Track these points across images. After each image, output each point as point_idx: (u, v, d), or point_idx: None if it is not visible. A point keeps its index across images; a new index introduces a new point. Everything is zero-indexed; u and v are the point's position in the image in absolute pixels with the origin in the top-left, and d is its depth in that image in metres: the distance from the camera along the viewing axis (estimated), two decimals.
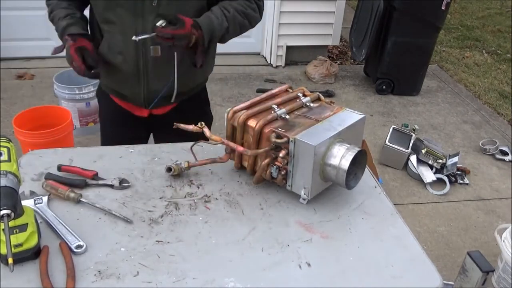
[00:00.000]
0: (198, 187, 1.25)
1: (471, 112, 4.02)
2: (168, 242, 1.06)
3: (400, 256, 1.06)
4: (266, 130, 1.16)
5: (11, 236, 0.91)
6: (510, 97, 4.28)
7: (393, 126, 3.25)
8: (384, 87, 4.12)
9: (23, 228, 0.96)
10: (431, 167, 3.06)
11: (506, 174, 3.20)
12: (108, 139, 1.75)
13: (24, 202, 1.13)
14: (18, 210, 0.91)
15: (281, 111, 1.21)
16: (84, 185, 1.21)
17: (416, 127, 3.59)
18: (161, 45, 1.44)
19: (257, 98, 1.29)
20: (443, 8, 3.72)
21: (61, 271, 0.96)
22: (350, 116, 1.25)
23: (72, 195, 1.16)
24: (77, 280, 0.94)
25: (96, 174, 1.25)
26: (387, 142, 3.12)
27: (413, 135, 3.18)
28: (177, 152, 1.39)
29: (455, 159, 3.08)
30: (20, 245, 0.95)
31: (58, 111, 2.91)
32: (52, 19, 1.51)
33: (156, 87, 1.53)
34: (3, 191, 0.88)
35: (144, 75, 1.51)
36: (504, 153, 3.36)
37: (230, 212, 1.17)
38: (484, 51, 5.35)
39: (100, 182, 1.23)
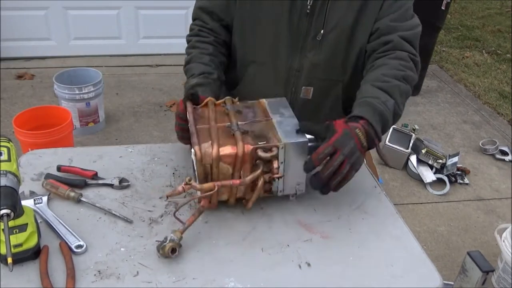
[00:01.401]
0: None
1: (471, 112, 4.02)
2: None
3: (400, 256, 1.06)
4: (248, 150, 1.06)
5: (11, 236, 0.91)
6: (510, 97, 4.28)
7: (393, 126, 3.25)
8: None
9: (22, 228, 0.96)
10: (431, 167, 3.06)
11: (506, 174, 3.20)
12: None
13: (24, 202, 1.13)
14: (18, 210, 0.91)
15: (238, 126, 1.11)
16: (84, 185, 1.21)
17: (416, 127, 3.59)
18: (314, 86, 1.33)
19: (194, 126, 1.11)
20: (443, 8, 3.72)
21: (61, 271, 0.96)
22: (280, 104, 1.23)
23: (72, 194, 1.16)
24: (77, 280, 0.94)
25: (96, 174, 1.25)
26: (387, 142, 3.12)
27: (413, 135, 3.18)
28: (177, 152, 1.39)
29: (455, 159, 3.08)
30: (20, 245, 0.95)
31: (58, 111, 2.91)
32: (186, 71, 1.38)
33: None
34: (3, 190, 0.88)
35: None
36: (504, 153, 3.36)
37: (230, 212, 1.17)
38: (484, 51, 5.35)
39: (100, 182, 1.23)
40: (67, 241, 1.03)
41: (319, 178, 1.01)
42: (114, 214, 1.12)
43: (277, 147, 1.07)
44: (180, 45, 5.13)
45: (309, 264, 1.02)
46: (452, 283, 2.21)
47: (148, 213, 1.15)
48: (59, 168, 1.26)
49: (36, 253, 0.98)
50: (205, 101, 1.19)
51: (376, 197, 1.25)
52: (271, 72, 1.38)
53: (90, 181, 1.23)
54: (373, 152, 3.19)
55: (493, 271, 2.10)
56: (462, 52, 5.28)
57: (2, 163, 0.92)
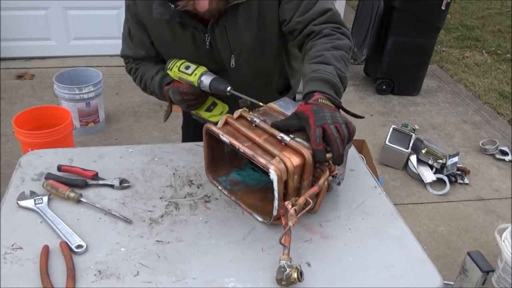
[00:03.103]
0: (198, 187, 1.25)
1: (471, 112, 4.02)
2: (168, 242, 1.06)
3: (400, 256, 1.06)
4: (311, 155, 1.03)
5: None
6: (510, 97, 4.28)
7: (393, 126, 3.25)
8: (384, 87, 4.12)
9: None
10: (431, 167, 3.06)
11: (506, 174, 3.20)
12: None
13: (24, 202, 1.14)
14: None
15: (283, 134, 1.08)
16: (84, 185, 1.21)
17: (416, 127, 3.59)
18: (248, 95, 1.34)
19: (244, 146, 1.07)
20: (443, 8, 3.72)
21: (61, 271, 0.96)
22: (290, 103, 1.25)
23: (72, 194, 1.16)
24: (77, 280, 0.94)
25: (96, 174, 1.25)
26: (387, 142, 3.12)
27: (413, 135, 3.18)
28: (177, 153, 1.39)
29: (455, 159, 3.08)
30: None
31: (58, 111, 2.91)
32: (145, 85, 1.51)
33: None
34: (216, 79, 1.32)
35: None
36: (504, 153, 3.36)
37: (230, 212, 1.17)
38: (484, 51, 5.35)
39: (100, 182, 1.23)
40: (67, 241, 1.03)
41: (336, 154, 1.02)
42: (114, 214, 1.12)
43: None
44: None
45: (309, 264, 1.02)
46: (452, 283, 2.21)
47: (148, 213, 1.15)
48: (59, 168, 1.26)
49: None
50: (238, 112, 1.17)
51: (376, 197, 1.25)
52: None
53: (90, 181, 1.23)
54: (373, 152, 3.16)
55: (493, 271, 2.10)
56: (462, 52, 5.28)
57: (197, 69, 1.35)
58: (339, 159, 1.03)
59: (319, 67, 1.18)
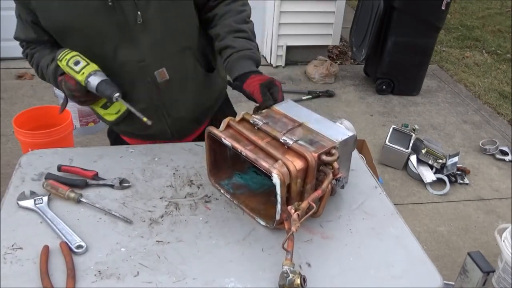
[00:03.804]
0: (199, 187, 1.25)
1: (471, 112, 4.02)
2: (168, 242, 1.06)
3: (400, 256, 1.06)
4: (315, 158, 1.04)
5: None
6: (510, 97, 4.28)
7: (393, 126, 3.25)
8: (384, 87, 4.12)
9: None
10: (431, 167, 3.06)
11: (506, 174, 3.20)
12: None
13: (24, 202, 1.14)
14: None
15: (286, 137, 1.09)
16: (85, 185, 1.21)
17: (416, 127, 3.59)
18: (165, 66, 1.31)
19: (246, 149, 1.06)
20: (443, 8, 3.72)
21: (61, 271, 0.96)
22: (293, 106, 1.25)
23: (72, 195, 1.16)
24: (77, 280, 0.94)
25: (96, 174, 1.25)
26: (387, 142, 3.12)
27: (413, 135, 3.18)
28: (177, 153, 1.39)
29: (455, 159, 3.08)
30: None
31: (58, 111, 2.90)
32: (42, 73, 1.39)
33: (178, 113, 1.44)
34: (104, 83, 1.23)
35: (161, 107, 1.40)
36: (504, 153, 3.36)
37: (231, 212, 1.17)
38: (484, 51, 5.35)
39: (101, 182, 1.23)
40: (67, 241, 1.03)
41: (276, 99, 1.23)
42: (114, 215, 1.12)
43: (335, 148, 1.07)
44: None
45: (309, 264, 1.02)
46: (453, 283, 2.21)
47: (149, 214, 1.15)
48: (59, 168, 1.26)
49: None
50: (241, 115, 1.17)
51: (376, 197, 1.25)
52: (113, 77, 1.28)
53: (90, 182, 1.23)
54: (373, 152, 3.16)
55: (493, 271, 2.10)
56: (462, 52, 5.28)
57: (86, 67, 1.23)
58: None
59: (248, 44, 1.32)
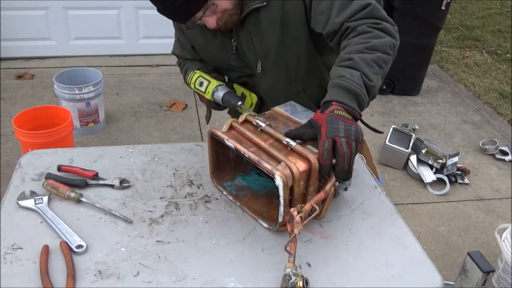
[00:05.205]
0: (198, 187, 1.25)
1: (471, 112, 4.02)
2: (168, 242, 1.06)
3: (400, 256, 1.06)
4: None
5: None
6: (510, 97, 4.28)
7: (393, 126, 3.25)
8: (384, 87, 4.12)
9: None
10: (431, 167, 3.06)
11: (506, 174, 3.20)
12: None
13: (24, 202, 1.14)
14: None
15: (288, 139, 1.07)
16: (85, 185, 1.21)
17: (416, 127, 3.58)
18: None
19: (249, 151, 1.06)
20: (443, 8, 3.72)
21: (61, 271, 0.96)
22: (294, 107, 1.25)
23: (72, 194, 1.16)
24: (77, 280, 0.94)
25: (96, 174, 1.25)
26: (387, 142, 3.12)
27: (413, 135, 3.18)
28: (177, 153, 1.39)
29: (455, 159, 3.08)
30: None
31: (58, 111, 2.91)
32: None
33: None
34: (229, 94, 1.43)
35: None
36: (504, 153, 3.36)
37: (231, 212, 1.17)
38: (484, 51, 5.35)
39: (100, 182, 1.23)
40: (67, 241, 1.03)
41: (341, 170, 1.00)
42: (114, 214, 1.12)
43: None
44: None
45: (309, 264, 1.02)
46: (453, 283, 2.21)
47: (149, 213, 1.15)
48: (59, 168, 1.26)
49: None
50: (244, 117, 1.17)
51: (376, 197, 1.25)
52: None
53: (90, 181, 1.23)
54: (373, 152, 3.16)
55: (493, 271, 2.10)
56: (462, 52, 5.28)
57: (209, 86, 1.44)
58: (343, 175, 1.01)
59: (345, 73, 1.09)
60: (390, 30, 1.20)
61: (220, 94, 1.44)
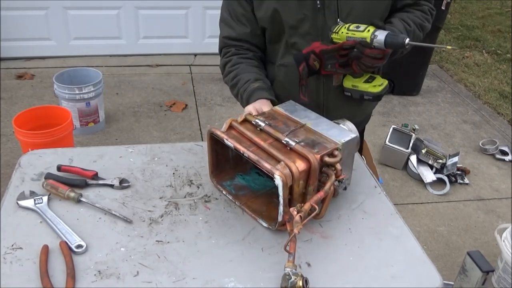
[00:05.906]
0: (198, 187, 1.25)
1: (471, 112, 4.02)
2: (168, 242, 1.06)
3: (400, 256, 1.06)
4: (318, 160, 1.03)
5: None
6: (510, 97, 4.28)
7: (393, 126, 3.25)
8: None
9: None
10: (431, 167, 3.06)
11: (506, 174, 3.20)
12: None
13: (24, 202, 1.14)
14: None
15: (289, 138, 1.09)
16: (84, 185, 1.21)
17: (416, 127, 3.59)
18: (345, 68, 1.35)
19: (249, 151, 1.06)
20: (443, 8, 3.71)
21: (61, 271, 0.96)
22: (295, 106, 1.25)
23: (72, 194, 1.16)
24: (77, 280, 0.94)
25: (96, 174, 1.25)
26: (387, 142, 3.12)
27: (413, 135, 3.18)
28: (177, 152, 1.39)
29: (455, 159, 3.08)
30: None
31: (58, 111, 2.91)
32: (235, 83, 1.45)
33: (333, 118, 1.35)
34: (391, 35, 1.25)
35: (324, 107, 1.49)
36: (504, 153, 3.36)
37: (230, 212, 1.17)
38: (484, 51, 5.35)
39: (100, 182, 1.23)
40: (67, 241, 1.03)
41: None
42: (114, 214, 1.12)
43: (338, 149, 1.07)
44: (180, 45, 5.08)
45: (309, 264, 1.02)
46: (452, 283, 2.21)
47: (148, 213, 1.15)
48: (59, 168, 1.26)
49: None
50: (243, 116, 1.16)
51: (376, 197, 1.25)
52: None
53: (90, 181, 1.23)
54: (373, 152, 3.16)
55: (493, 271, 2.10)
56: (462, 52, 5.28)
57: (369, 26, 1.28)
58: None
59: (402, 29, 1.35)
60: (433, 18, 1.54)
61: (383, 33, 1.25)
